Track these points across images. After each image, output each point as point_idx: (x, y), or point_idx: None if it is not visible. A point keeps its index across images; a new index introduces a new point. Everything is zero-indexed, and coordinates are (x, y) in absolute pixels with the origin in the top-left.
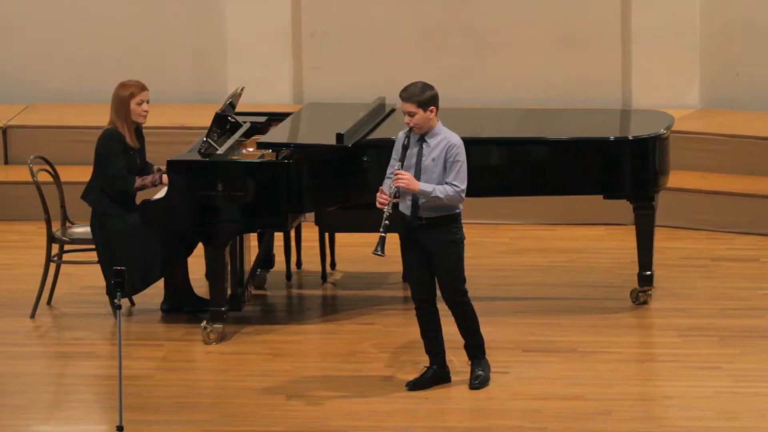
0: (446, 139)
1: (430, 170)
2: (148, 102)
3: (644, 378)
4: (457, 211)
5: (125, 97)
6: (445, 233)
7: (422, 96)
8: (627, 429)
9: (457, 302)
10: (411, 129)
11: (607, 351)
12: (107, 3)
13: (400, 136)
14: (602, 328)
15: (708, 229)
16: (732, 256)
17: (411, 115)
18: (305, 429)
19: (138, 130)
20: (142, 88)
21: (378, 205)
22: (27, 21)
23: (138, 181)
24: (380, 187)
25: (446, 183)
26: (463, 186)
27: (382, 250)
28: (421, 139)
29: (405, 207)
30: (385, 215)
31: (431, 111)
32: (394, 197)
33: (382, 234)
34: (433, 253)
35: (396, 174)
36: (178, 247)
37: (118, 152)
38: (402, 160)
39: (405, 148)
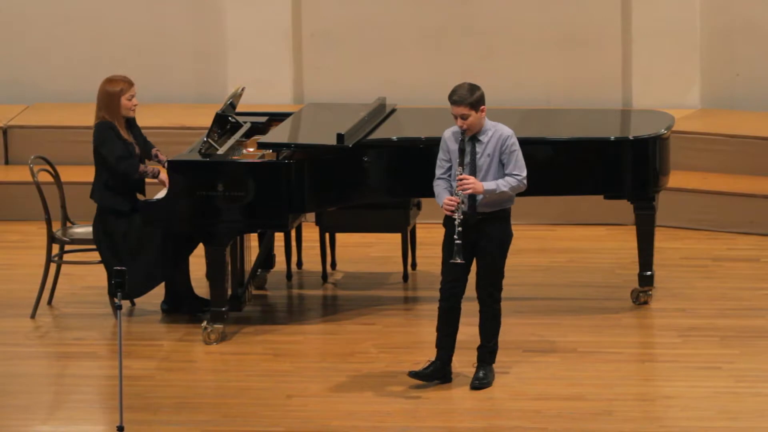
0: (497, 132)
1: (486, 167)
2: (135, 96)
3: (644, 378)
4: (510, 205)
5: (116, 93)
6: (500, 230)
7: (473, 97)
8: (627, 429)
9: (493, 300)
10: (464, 131)
11: (608, 351)
12: (108, 3)
13: (448, 136)
14: (602, 328)
15: (708, 229)
16: (732, 257)
17: (464, 117)
18: (305, 429)
19: (131, 121)
20: (131, 83)
21: (446, 212)
22: (27, 21)
23: (141, 167)
24: (445, 197)
25: (507, 174)
26: (524, 173)
27: (461, 257)
28: (473, 138)
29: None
30: (457, 222)
31: (482, 110)
32: (462, 202)
33: (458, 241)
34: (485, 249)
35: (460, 180)
36: (179, 247)
37: (115, 139)
38: (463, 164)
39: (462, 151)
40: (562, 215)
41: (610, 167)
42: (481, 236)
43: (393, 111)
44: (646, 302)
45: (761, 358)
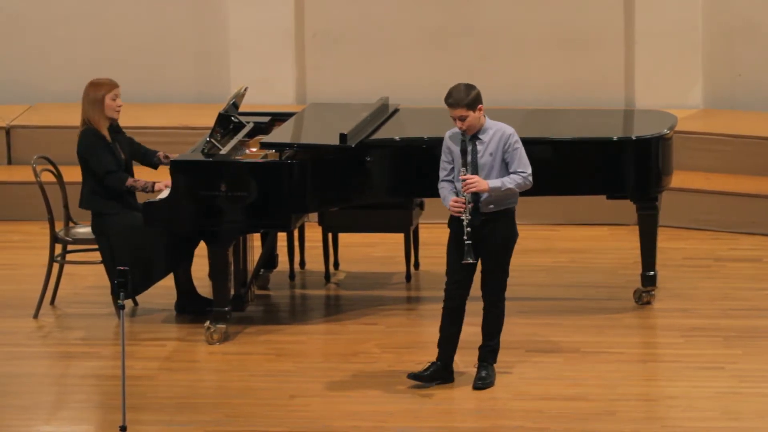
0: (499, 131)
1: (489, 166)
2: (119, 97)
3: (647, 378)
4: (514, 205)
5: (100, 94)
6: (505, 229)
7: (468, 98)
8: (630, 429)
9: (499, 299)
10: (464, 132)
11: (610, 351)
12: (110, 3)
13: (448, 137)
14: (605, 328)
15: (711, 229)
16: (735, 257)
17: (462, 119)
18: (308, 429)
19: (115, 127)
20: (115, 84)
21: (453, 213)
22: (29, 22)
23: (130, 181)
24: (451, 199)
25: (512, 173)
26: (529, 170)
27: (472, 257)
28: (474, 138)
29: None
30: (465, 222)
31: (479, 110)
32: (469, 203)
33: (468, 242)
34: (490, 249)
35: (464, 180)
36: (181, 247)
37: (102, 147)
38: (466, 164)
39: (464, 151)
40: (564, 215)
41: (612, 167)
42: (487, 236)
43: (396, 111)
44: (648, 302)
45: (764, 358)
